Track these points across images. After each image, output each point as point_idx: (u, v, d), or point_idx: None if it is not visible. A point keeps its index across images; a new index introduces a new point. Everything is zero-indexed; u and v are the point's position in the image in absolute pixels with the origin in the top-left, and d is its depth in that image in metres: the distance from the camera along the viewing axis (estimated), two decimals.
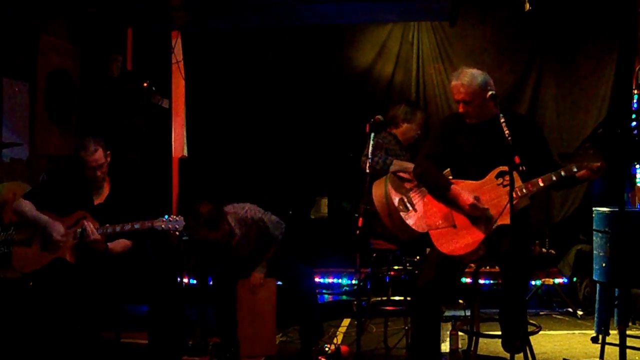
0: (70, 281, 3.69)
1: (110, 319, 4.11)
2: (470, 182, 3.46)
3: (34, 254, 3.74)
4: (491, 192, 3.39)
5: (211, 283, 4.42)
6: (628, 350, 3.64)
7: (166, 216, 3.79)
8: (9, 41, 4.78)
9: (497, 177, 3.41)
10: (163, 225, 3.74)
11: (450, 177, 3.62)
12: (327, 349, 4.23)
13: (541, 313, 5.38)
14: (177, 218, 3.78)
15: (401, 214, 4.18)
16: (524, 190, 3.32)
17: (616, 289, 4.31)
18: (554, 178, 3.29)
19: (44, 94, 5.14)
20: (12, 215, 3.85)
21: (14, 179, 4.46)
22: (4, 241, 3.87)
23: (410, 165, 4.33)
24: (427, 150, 3.65)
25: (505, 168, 3.29)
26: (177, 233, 3.79)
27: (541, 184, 3.31)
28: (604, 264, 4.38)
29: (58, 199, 3.84)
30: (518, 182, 3.29)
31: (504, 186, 3.33)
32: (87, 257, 3.78)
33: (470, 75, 3.48)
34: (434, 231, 3.48)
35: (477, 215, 3.36)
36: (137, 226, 3.74)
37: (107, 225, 3.75)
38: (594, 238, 4.52)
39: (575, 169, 3.27)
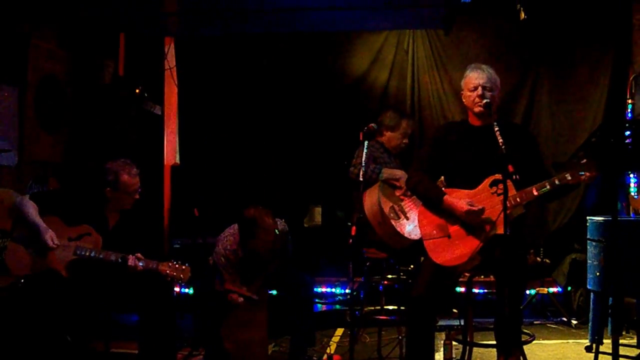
0: (62, 292, 3.63)
1: (100, 328, 4.06)
2: (464, 191, 3.43)
3: (28, 257, 3.64)
4: (485, 201, 3.37)
5: (198, 293, 4.37)
6: (621, 359, 3.62)
7: (172, 264, 3.70)
8: None
9: (490, 185, 3.38)
10: (168, 271, 3.67)
11: (444, 187, 3.60)
12: (315, 358, 4.19)
13: (535, 322, 5.38)
14: (184, 267, 3.69)
15: (392, 221, 4.16)
16: (518, 199, 3.30)
17: (610, 298, 4.30)
18: (548, 186, 3.27)
19: (33, 99, 5.09)
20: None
21: (2, 186, 4.41)
22: None
23: (399, 173, 4.33)
24: (419, 161, 3.62)
25: (499, 176, 3.28)
26: (181, 283, 3.72)
27: (535, 193, 3.28)
28: (597, 273, 4.37)
29: (67, 211, 3.74)
30: (512, 191, 3.27)
31: (498, 195, 3.31)
32: (81, 272, 3.71)
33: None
34: (428, 241, 3.44)
35: (475, 220, 3.32)
36: (141, 264, 3.67)
37: (111, 252, 3.68)
38: (588, 247, 4.51)
39: (569, 177, 3.25)
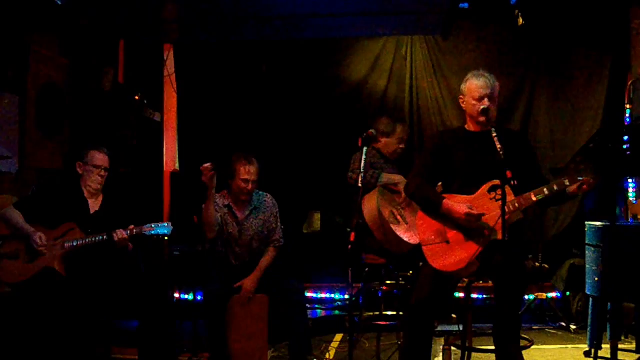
0: (61, 294, 3.68)
1: (100, 333, 4.07)
2: (463, 196, 3.45)
3: (21, 266, 3.75)
4: (484, 206, 3.38)
5: (202, 298, 4.38)
6: None
7: (154, 224, 3.83)
8: None
9: (489, 191, 3.39)
10: (152, 231, 3.79)
11: (442, 192, 3.61)
12: None
13: (534, 327, 5.37)
14: (167, 224, 3.82)
15: (392, 226, 4.17)
16: (516, 205, 3.31)
17: (609, 303, 4.30)
18: (546, 192, 3.28)
19: (34, 106, 5.10)
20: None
21: (2, 193, 4.42)
22: None
23: (398, 177, 4.34)
24: (418, 167, 3.63)
25: (498, 182, 3.29)
26: (166, 238, 3.84)
27: (533, 198, 3.30)
28: (596, 278, 4.38)
29: (49, 212, 3.87)
30: (510, 197, 3.28)
31: (497, 200, 3.32)
32: (77, 269, 3.79)
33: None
34: (427, 247, 3.45)
35: (474, 224, 3.32)
36: (126, 233, 3.78)
37: (94, 234, 3.79)
38: (587, 252, 4.52)
39: (567, 182, 3.26)
